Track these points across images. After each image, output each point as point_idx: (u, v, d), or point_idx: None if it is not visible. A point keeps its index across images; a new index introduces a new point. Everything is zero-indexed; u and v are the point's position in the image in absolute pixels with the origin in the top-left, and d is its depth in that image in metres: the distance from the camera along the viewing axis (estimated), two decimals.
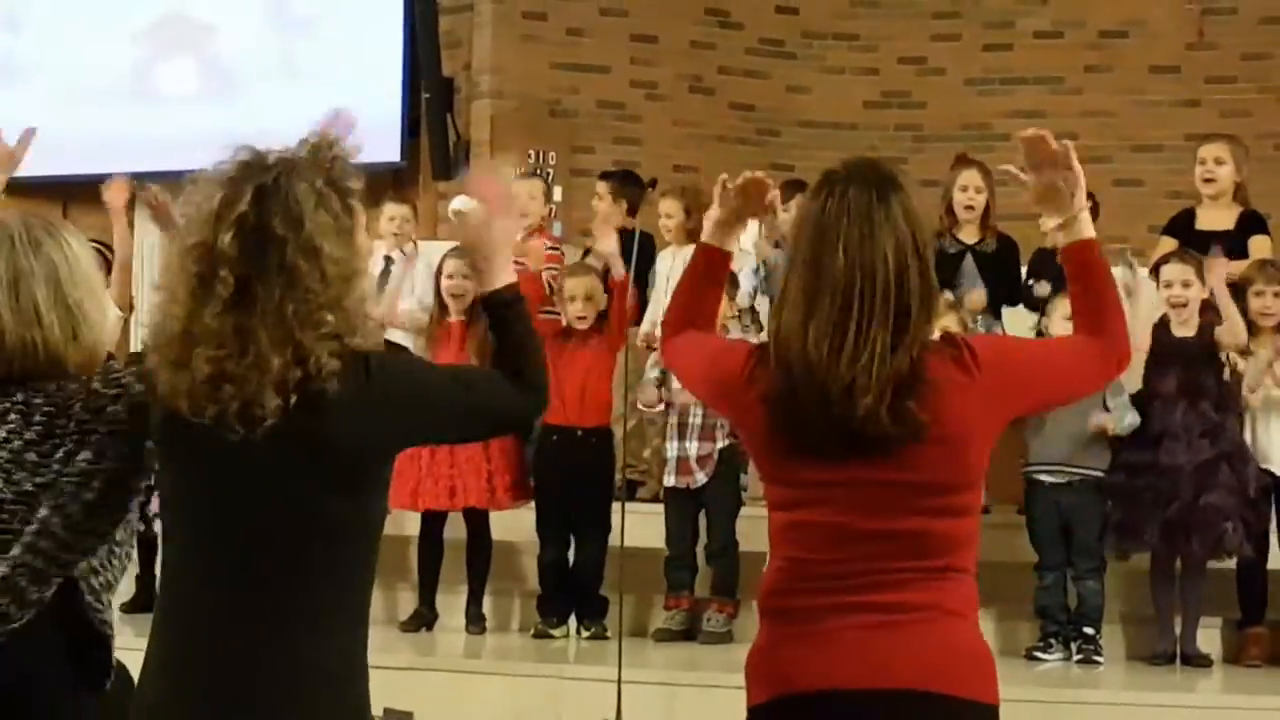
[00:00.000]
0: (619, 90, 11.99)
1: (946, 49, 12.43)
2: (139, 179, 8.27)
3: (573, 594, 7.78)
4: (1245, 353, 7.24)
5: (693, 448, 7.60)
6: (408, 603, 7.93)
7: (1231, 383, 7.22)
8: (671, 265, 8.27)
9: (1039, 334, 7.55)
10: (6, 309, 3.29)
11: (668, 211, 8.57)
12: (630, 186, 9.32)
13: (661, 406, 7.75)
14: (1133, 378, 7.21)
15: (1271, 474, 7.27)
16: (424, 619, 7.81)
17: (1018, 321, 8.22)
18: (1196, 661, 7.20)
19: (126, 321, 7.62)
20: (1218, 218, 7.94)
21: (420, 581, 7.87)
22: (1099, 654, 7.23)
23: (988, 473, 3.16)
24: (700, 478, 7.61)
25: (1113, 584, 7.39)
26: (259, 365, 2.90)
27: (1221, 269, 7.23)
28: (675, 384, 7.33)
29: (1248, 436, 7.26)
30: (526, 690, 7.01)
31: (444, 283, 7.86)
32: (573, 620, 7.79)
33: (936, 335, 3.14)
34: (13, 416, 3.23)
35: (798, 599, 3.13)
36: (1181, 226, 8.00)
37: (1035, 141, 3.29)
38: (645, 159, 11.01)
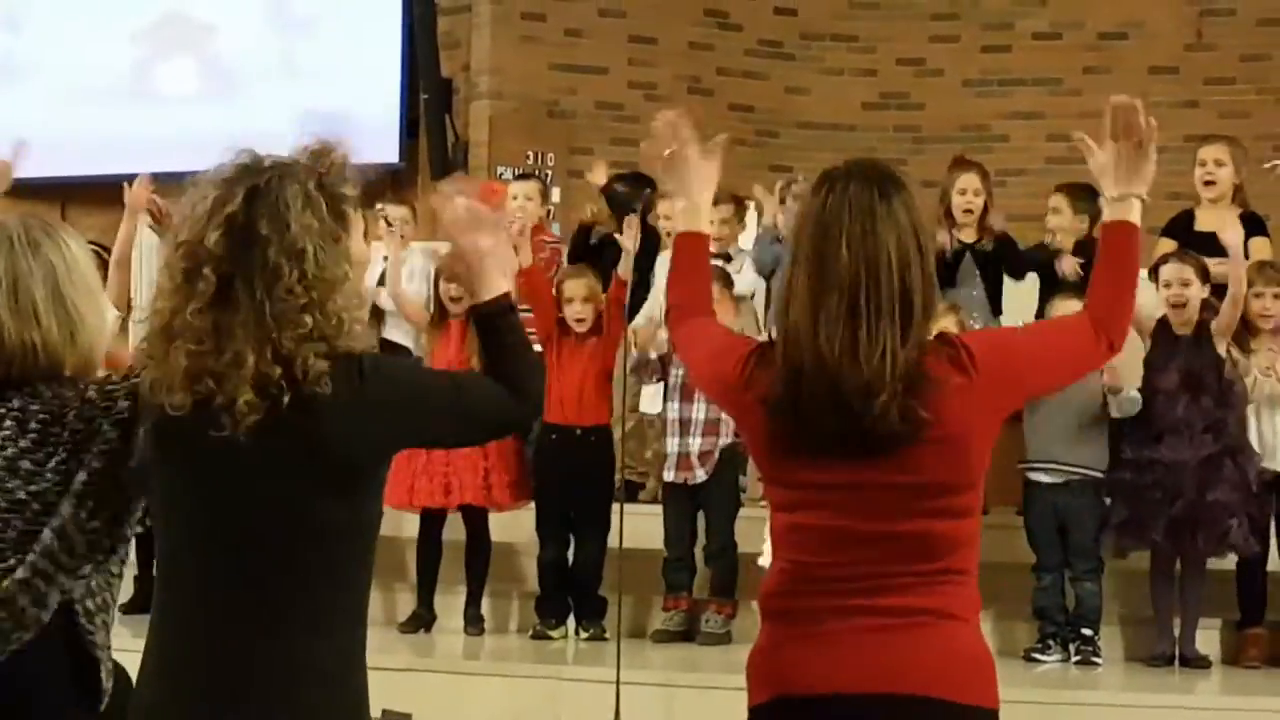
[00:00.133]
0: (617, 91, 11.99)
1: (945, 50, 12.44)
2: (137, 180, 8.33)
3: (571, 595, 7.78)
4: (1246, 350, 7.25)
5: (695, 444, 7.60)
6: (406, 604, 7.93)
7: (1232, 378, 7.21)
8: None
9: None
10: (6, 310, 3.28)
11: (666, 214, 8.56)
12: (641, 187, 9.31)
13: (657, 380, 7.77)
14: (1134, 377, 7.21)
15: (1274, 471, 7.26)
16: (422, 620, 7.81)
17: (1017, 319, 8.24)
18: (1195, 663, 7.21)
19: (125, 320, 7.63)
20: (1217, 219, 7.94)
21: (419, 583, 7.87)
22: (1097, 655, 7.23)
23: (986, 475, 3.16)
24: (700, 474, 7.61)
25: (1111, 585, 7.39)
26: (235, 362, 2.91)
27: (1237, 237, 7.23)
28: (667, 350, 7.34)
29: (1252, 435, 7.26)
30: (525, 691, 7.02)
31: (443, 285, 7.86)
32: (571, 621, 7.79)
33: (932, 336, 3.14)
34: (8, 423, 3.22)
35: (799, 601, 3.13)
36: (1180, 228, 8.00)
37: (1128, 110, 3.29)
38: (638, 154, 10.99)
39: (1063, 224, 8.19)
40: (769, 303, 8.38)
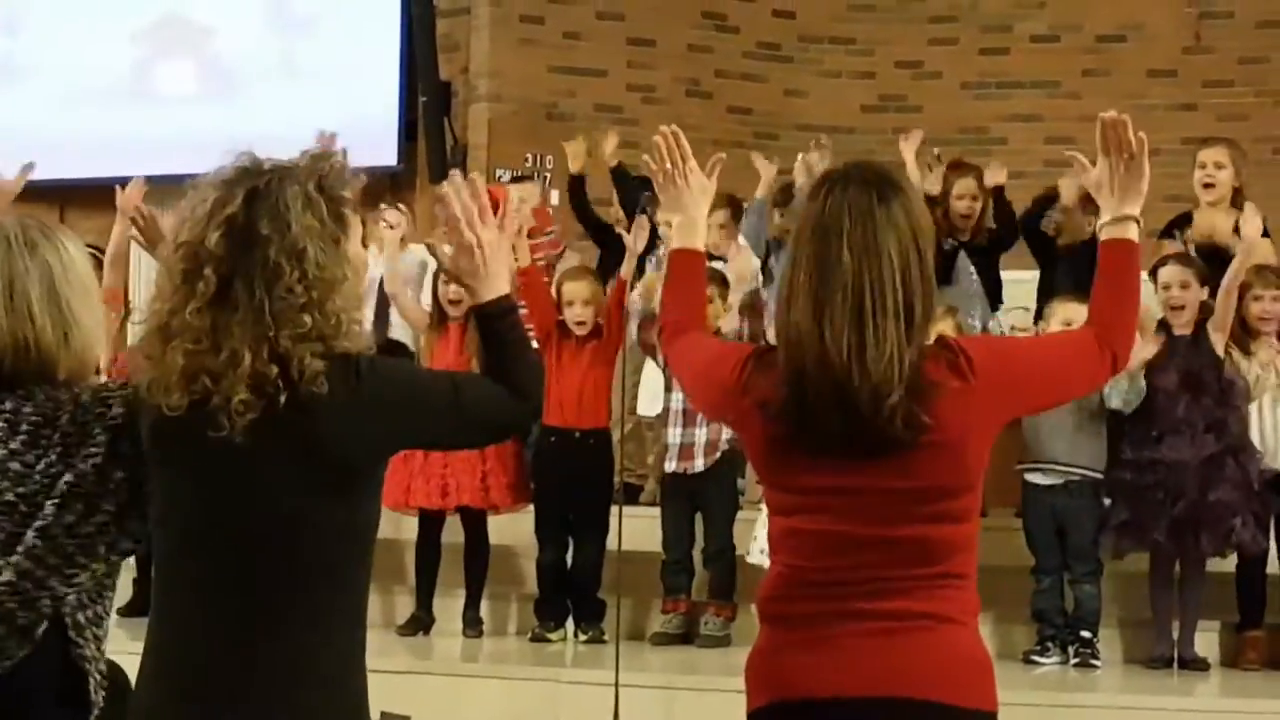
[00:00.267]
0: (616, 94, 12.00)
1: (943, 53, 12.44)
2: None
3: (570, 597, 7.78)
4: (1246, 352, 7.25)
5: (700, 434, 7.58)
6: (405, 606, 7.93)
7: (1233, 377, 7.21)
8: None
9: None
10: (1, 309, 3.28)
11: (667, 219, 8.56)
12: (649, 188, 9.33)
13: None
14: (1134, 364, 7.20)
15: (1276, 470, 7.26)
16: (421, 623, 7.81)
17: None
18: (1194, 665, 7.20)
19: (124, 321, 7.62)
20: (1216, 221, 7.95)
21: (417, 585, 7.87)
22: (1096, 658, 7.23)
23: (985, 477, 3.16)
24: (699, 464, 7.60)
25: (1110, 588, 7.39)
26: (232, 361, 2.92)
27: (1254, 229, 7.23)
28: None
29: (1254, 433, 7.26)
30: (524, 694, 7.01)
31: (442, 287, 7.86)
32: (570, 624, 7.79)
33: (931, 339, 3.14)
34: None
35: (797, 605, 3.12)
36: (1178, 230, 8.01)
37: (1117, 126, 3.30)
38: (641, 163, 10.99)
39: (1072, 223, 8.21)
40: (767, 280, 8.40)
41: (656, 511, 7.83)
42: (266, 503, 2.96)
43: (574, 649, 7.69)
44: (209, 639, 2.97)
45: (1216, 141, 8.29)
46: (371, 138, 11.01)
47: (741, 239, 8.65)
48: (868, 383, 3.00)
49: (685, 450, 7.64)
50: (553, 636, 7.74)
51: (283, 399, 2.92)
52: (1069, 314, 6.84)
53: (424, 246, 8.63)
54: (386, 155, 11.55)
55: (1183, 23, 12.00)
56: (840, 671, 3.05)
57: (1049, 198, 8.33)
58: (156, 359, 2.97)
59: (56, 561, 3.16)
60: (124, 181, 7.09)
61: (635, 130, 11.72)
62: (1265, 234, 7.85)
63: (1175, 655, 7.25)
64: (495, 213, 3.18)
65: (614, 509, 7.12)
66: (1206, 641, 7.33)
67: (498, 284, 3.17)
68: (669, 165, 3.55)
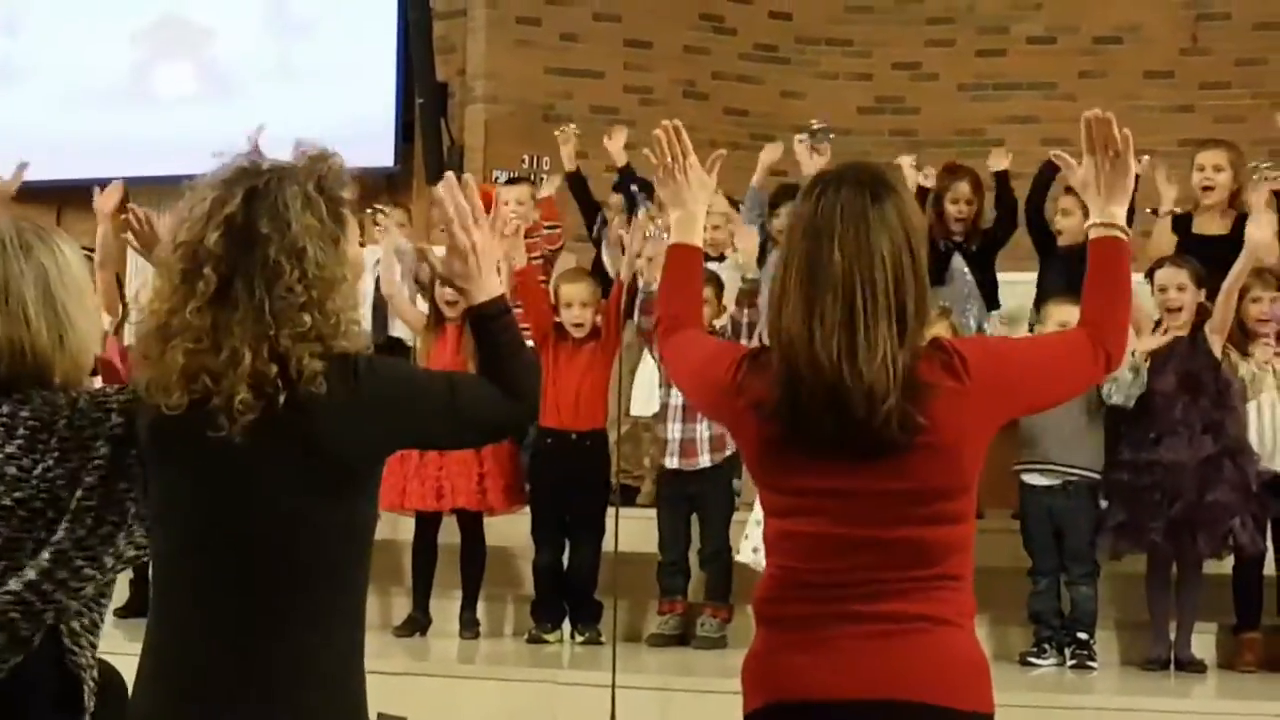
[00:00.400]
0: (613, 95, 12.00)
1: (940, 54, 12.44)
2: (135, 182, 8.29)
3: (567, 599, 7.78)
4: (1244, 354, 7.26)
5: (702, 429, 7.56)
6: (402, 608, 7.93)
7: (1230, 378, 7.21)
8: None
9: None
10: None
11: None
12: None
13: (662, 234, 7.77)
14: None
15: (1274, 471, 7.26)
16: (418, 624, 7.81)
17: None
18: (1191, 667, 7.20)
19: (121, 325, 7.63)
20: (1213, 222, 7.95)
21: (414, 587, 7.87)
22: (1093, 659, 7.23)
23: (982, 479, 3.16)
24: (704, 460, 7.59)
25: (1107, 589, 7.39)
26: (232, 360, 2.92)
27: (1262, 233, 7.24)
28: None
29: (1252, 435, 7.26)
30: (520, 695, 7.01)
31: (438, 290, 7.86)
32: (566, 625, 7.79)
33: (925, 341, 3.14)
34: None
35: (791, 607, 3.12)
36: (1177, 232, 8.01)
37: (1102, 124, 3.31)
38: (639, 164, 11.01)
39: (1072, 226, 8.22)
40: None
41: (653, 513, 7.82)
42: (265, 503, 2.96)
43: (570, 650, 7.69)
44: (208, 639, 2.97)
45: (1215, 144, 8.28)
46: (368, 139, 11.03)
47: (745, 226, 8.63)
48: (860, 385, 3.00)
49: (687, 446, 7.63)
50: (549, 638, 7.74)
51: (282, 399, 2.92)
52: (1064, 316, 6.83)
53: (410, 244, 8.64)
54: (383, 156, 11.56)
55: (1179, 24, 12.01)
56: (836, 673, 3.05)
57: (1048, 172, 8.30)
58: (155, 359, 2.97)
59: (65, 575, 3.16)
60: (124, 183, 7.12)
61: (632, 132, 11.74)
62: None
63: (1172, 657, 7.25)
64: (487, 213, 3.19)
65: (610, 510, 7.12)
66: (1203, 643, 7.33)
67: (491, 285, 3.17)
68: (669, 159, 3.55)
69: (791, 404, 3.06)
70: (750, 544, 7.05)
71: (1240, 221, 7.87)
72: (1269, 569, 7.34)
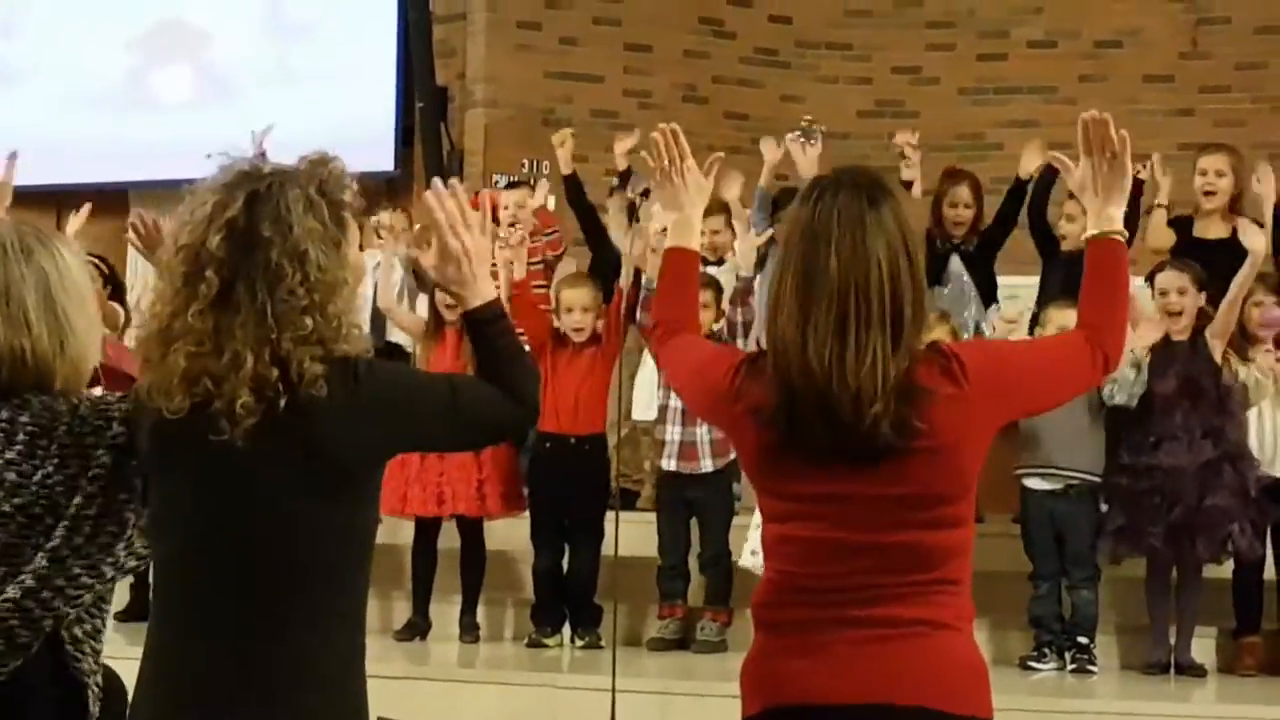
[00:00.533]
0: (612, 99, 11.99)
1: (940, 58, 12.44)
2: (133, 186, 8.34)
3: (567, 603, 7.77)
4: (1244, 359, 7.25)
5: (702, 432, 7.55)
6: (402, 612, 7.93)
7: (1230, 384, 7.20)
8: None
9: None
10: None
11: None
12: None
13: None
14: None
15: (1274, 477, 7.26)
16: (418, 628, 7.81)
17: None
18: (1191, 671, 7.20)
19: (123, 330, 7.61)
20: (1214, 226, 7.95)
21: (414, 591, 7.87)
22: (1093, 663, 7.23)
23: (982, 482, 3.15)
24: (707, 465, 7.58)
25: (1107, 593, 7.39)
26: (234, 363, 2.92)
27: (1260, 242, 7.22)
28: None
29: (1252, 441, 7.26)
30: (520, 699, 7.01)
31: (438, 294, 7.85)
32: (566, 629, 7.78)
33: (924, 346, 3.13)
34: None
35: (790, 611, 3.12)
36: (1177, 235, 8.00)
37: (1099, 125, 3.32)
38: (639, 168, 11.00)
39: (1076, 230, 8.21)
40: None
41: (653, 517, 7.82)
42: (266, 506, 2.96)
43: (570, 654, 7.69)
44: (208, 643, 2.97)
45: (1217, 148, 8.26)
46: (368, 143, 11.03)
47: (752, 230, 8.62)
48: (847, 391, 3.00)
49: (686, 449, 7.62)
50: (549, 642, 7.74)
51: (282, 402, 2.92)
52: (1065, 319, 6.82)
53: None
54: (383, 161, 11.56)
55: (1180, 29, 12.01)
56: (834, 678, 3.05)
57: (1049, 176, 8.29)
58: (156, 362, 2.97)
59: (62, 583, 3.15)
60: (122, 187, 7.11)
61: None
62: None
63: (1172, 661, 7.25)
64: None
65: (610, 514, 7.11)
66: (1203, 647, 7.33)
67: (485, 289, 3.16)
68: (666, 162, 3.55)
69: (787, 410, 3.06)
70: (749, 547, 7.04)
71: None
72: (1269, 573, 7.35)
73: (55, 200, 11.36)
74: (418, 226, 8.95)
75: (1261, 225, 7.49)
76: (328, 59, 11.88)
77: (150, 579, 3.17)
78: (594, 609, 7.69)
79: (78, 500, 3.15)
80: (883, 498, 3.04)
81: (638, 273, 7.64)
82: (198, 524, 2.99)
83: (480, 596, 7.88)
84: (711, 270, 8.18)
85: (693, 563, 7.72)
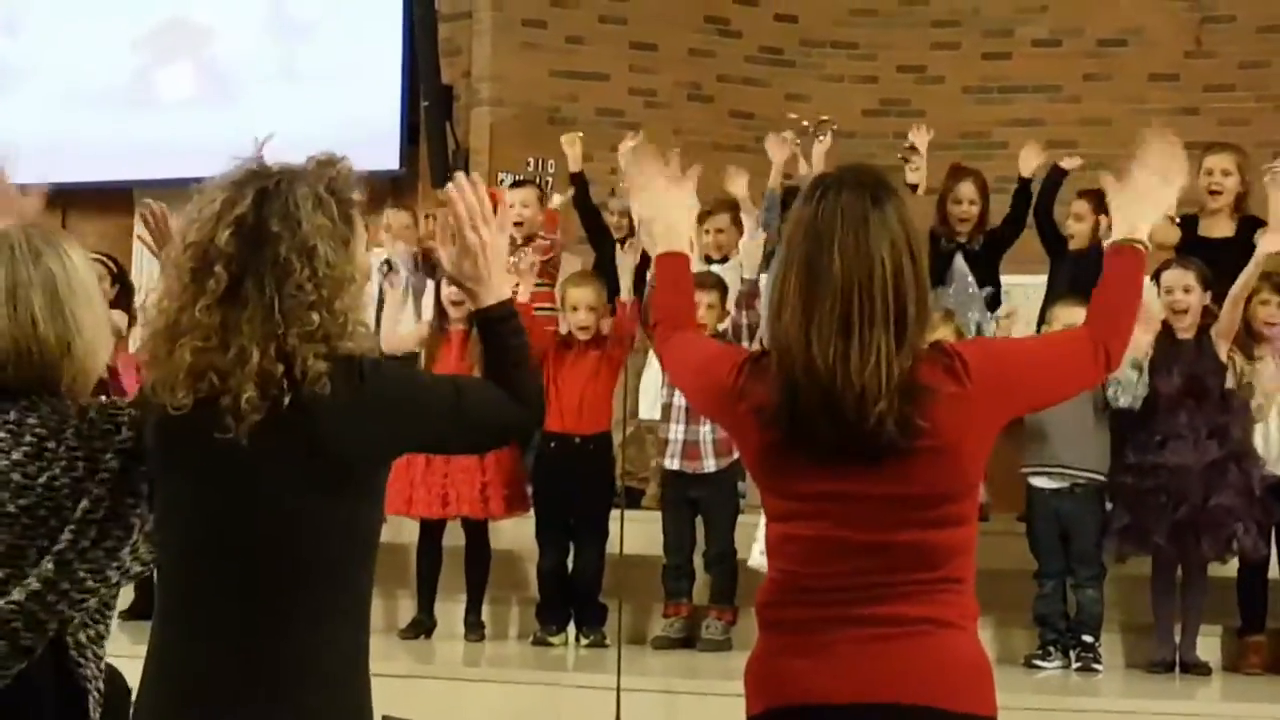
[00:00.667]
0: (618, 98, 12.00)
1: (945, 57, 12.44)
2: (137, 185, 8.36)
3: (572, 602, 7.77)
4: (1250, 358, 7.25)
5: (705, 430, 7.54)
6: (407, 610, 7.93)
7: (1237, 384, 7.20)
8: None
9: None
10: (4, 317, 3.27)
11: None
12: None
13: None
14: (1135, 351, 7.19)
15: (1278, 477, 7.26)
16: (423, 626, 7.81)
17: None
18: (1196, 669, 7.20)
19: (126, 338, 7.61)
20: (1219, 225, 7.95)
21: (419, 589, 7.87)
22: (1098, 662, 7.23)
23: (988, 482, 3.16)
24: (709, 464, 7.58)
25: (1112, 592, 7.39)
26: (240, 358, 2.92)
27: (1272, 244, 7.22)
28: None
29: (1258, 440, 7.26)
30: (525, 698, 7.01)
31: (444, 290, 7.85)
32: (571, 628, 7.78)
33: (927, 345, 3.13)
34: (1, 435, 3.21)
35: (793, 611, 3.12)
36: (1183, 235, 8.00)
37: (1173, 150, 3.41)
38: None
39: (1083, 230, 8.22)
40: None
41: (658, 515, 7.82)
42: (269, 503, 2.96)
43: (575, 653, 7.69)
44: (211, 641, 2.97)
45: (1223, 147, 8.25)
46: (373, 142, 11.02)
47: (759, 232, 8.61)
48: (851, 390, 3.00)
49: (690, 448, 7.62)
50: (554, 640, 7.74)
51: (286, 400, 2.92)
52: (1071, 318, 6.81)
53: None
54: (388, 159, 11.55)
55: (1184, 27, 12.01)
56: (838, 677, 3.05)
57: (1056, 175, 8.32)
58: (163, 358, 2.97)
59: (68, 586, 3.15)
60: (126, 185, 7.12)
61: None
62: None
63: (1177, 660, 7.25)
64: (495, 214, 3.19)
65: (615, 513, 7.11)
66: (1208, 646, 7.34)
67: (499, 288, 3.17)
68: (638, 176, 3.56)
69: (790, 410, 3.06)
70: (759, 546, 7.04)
71: (1245, 224, 7.87)
72: (1274, 572, 7.35)
73: (61, 199, 11.37)
74: (425, 221, 8.94)
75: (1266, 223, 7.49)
76: (332, 57, 11.89)
77: (155, 578, 3.17)
78: (599, 608, 7.69)
79: (84, 504, 3.15)
80: (886, 497, 3.04)
81: (640, 283, 7.64)
82: (200, 521, 2.99)
83: (485, 595, 7.88)
84: (716, 269, 8.18)
85: (698, 561, 7.72)
